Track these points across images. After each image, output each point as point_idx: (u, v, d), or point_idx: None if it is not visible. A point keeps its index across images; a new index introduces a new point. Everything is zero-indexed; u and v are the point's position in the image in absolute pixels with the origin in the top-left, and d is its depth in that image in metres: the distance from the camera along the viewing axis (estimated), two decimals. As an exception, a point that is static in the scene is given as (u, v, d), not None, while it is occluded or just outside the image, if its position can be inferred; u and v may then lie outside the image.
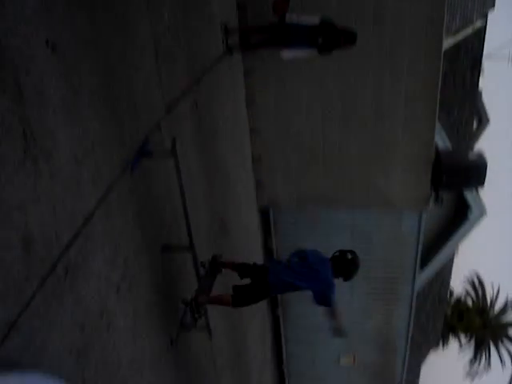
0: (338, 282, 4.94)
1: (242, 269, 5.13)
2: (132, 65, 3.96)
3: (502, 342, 27.99)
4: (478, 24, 11.01)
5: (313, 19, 6.38)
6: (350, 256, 4.95)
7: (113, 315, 3.61)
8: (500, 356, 28.11)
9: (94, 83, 3.39)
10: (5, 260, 2.55)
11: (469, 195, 10.39)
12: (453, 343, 28.45)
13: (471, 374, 29.23)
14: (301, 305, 10.32)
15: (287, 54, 6.56)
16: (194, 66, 5.48)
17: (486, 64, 14.87)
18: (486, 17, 11.37)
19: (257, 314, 9.32)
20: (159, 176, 4.51)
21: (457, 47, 10.38)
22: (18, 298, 2.65)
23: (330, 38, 6.38)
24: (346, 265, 4.91)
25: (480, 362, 29.05)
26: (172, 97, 4.83)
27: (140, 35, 4.13)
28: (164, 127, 4.54)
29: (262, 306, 10.00)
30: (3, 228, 2.53)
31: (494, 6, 11.59)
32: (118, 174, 3.65)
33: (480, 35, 11.40)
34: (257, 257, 9.27)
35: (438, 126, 8.74)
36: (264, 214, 9.46)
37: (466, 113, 12.39)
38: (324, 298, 4.74)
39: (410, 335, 11.03)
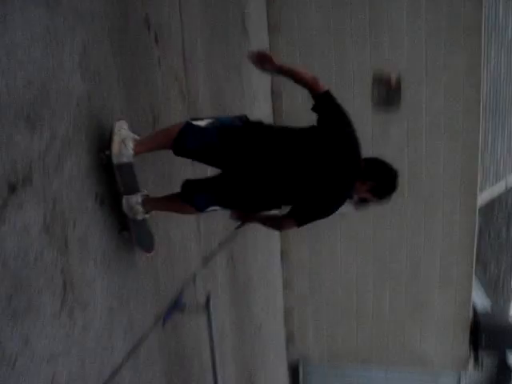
0: None
1: None
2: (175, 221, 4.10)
3: None
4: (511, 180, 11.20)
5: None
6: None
7: None
8: None
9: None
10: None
11: (511, 357, 9.83)
12: None
13: None
14: None
15: None
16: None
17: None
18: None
19: None
20: (190, 329, 4.46)
21: (491, 203, 10.48)
22: None
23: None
24: None
25: None
26: (209, 249, 4.93)
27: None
28: (199, 279, 4.58)
29: None
30: (31, 378, 2.50)
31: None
32: (149, 327, 3.64)
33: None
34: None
35: (474, 282, 8.56)
36: (293, 368, 9.09)
37: (503, 270, 12.16)
38: None
39: None
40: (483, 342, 8.38)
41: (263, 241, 7.15)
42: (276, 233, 7.75)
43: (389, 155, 3.32)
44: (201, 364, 4.63)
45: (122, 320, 3.28)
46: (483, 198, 9.39)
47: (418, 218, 7.85)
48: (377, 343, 8.43)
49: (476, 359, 8.75)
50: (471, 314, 8.35)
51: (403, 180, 7.25)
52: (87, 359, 2.93)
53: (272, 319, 7.69)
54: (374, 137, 7.37)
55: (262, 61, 3.12)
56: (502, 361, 10.10)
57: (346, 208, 6.65)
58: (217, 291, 4.93)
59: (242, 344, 6.12)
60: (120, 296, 3.27)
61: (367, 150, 3.11)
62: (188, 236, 4.44)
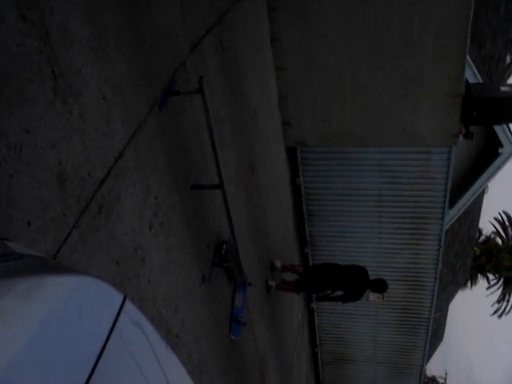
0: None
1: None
2: (155, 2, 3.91)
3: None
4: None
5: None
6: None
7: (146, 251, 3.73)
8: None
9: (119, 22, 3.37)
10: (42, 198, 2.64)
11: (500, 130, 10.12)
12: (481, 282, 28.53)
13: (498, 312, 29.47)
14: (326, 243, 10.47)
15: None
16: (217, 1, 5.37)
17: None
18: None
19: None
20: (187, 115, 4.52)
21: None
22: (55, 234, 2.75)
23: None
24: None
25: (508, 301, 29.20)
26: (196, 34, 4.77)
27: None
28: (189, 65, 4.52)
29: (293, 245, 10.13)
30: (39, 166, 2.60)
31: None
32: (146, 113, 3.68)
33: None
34: (284, 194, 9.33)
35: (468, 60, 8.45)
36: (291, 153, 9.43)
37: (499, 47, 11.92)
38: None
39: (438, 274, 11.08)
40: (474, 114, 8.54)
41: (251, 25, 6.89)
42: (265, 18, 7.47)
43: None
44: (202, 148, 4.79)
45: (117, 107, 3.30)
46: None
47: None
48: (370, 121, 8.62)
49: (466, 133, 9.01)
50: (463, 89, 8.38)
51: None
52: (89, 145, 3.01)
53: (267, 104, 7.75)
54: None
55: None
56: (491, 134, 10.43)
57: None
58: (208, 76, 4.88)
59: (239, 128, 6.26)
60: (112, 84, 3.26)
61: None
62: (173, 22, 4.27)
